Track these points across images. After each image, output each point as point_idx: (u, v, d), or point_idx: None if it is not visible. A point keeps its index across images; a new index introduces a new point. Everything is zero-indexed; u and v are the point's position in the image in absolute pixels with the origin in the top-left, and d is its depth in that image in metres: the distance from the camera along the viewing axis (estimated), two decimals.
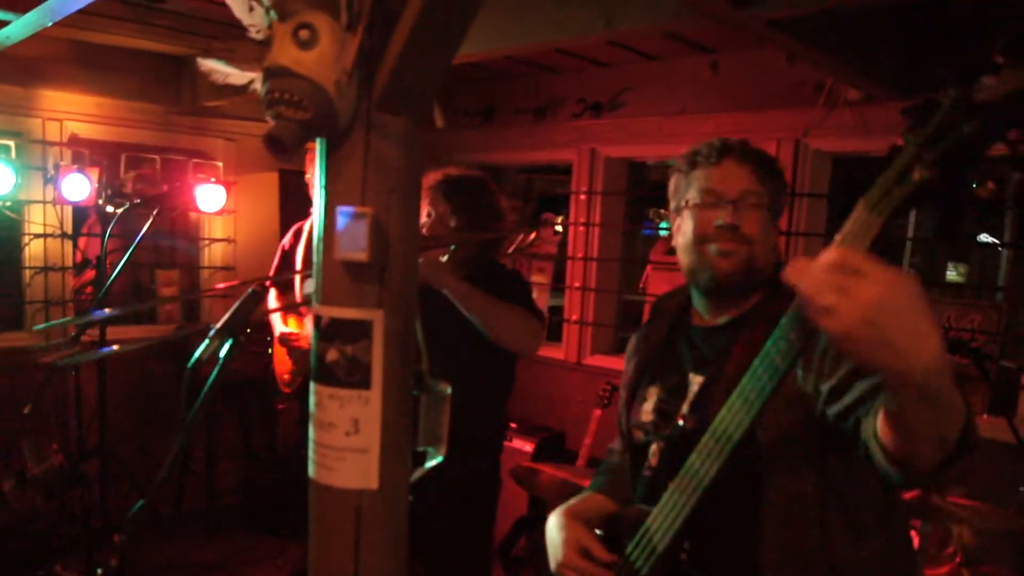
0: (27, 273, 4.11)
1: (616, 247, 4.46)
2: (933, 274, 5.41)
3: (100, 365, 3.74)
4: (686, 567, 1.44)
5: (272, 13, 1.35)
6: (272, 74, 1.34)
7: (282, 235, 4.73)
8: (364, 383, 1.44)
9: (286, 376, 3.87)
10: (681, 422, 1.48)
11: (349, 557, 1.48)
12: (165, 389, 4.51)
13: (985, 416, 3.06)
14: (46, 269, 4.12)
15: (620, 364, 4.26)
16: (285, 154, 1.35)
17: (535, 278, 4.96)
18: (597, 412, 3.98)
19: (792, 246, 3.65)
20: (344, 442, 1.45)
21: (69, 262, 4.22)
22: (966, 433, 1.06)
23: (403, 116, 1.42)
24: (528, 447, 4.31)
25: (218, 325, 1.57)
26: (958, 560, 2.42)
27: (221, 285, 4.57)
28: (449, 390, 1.64)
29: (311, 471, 1.53)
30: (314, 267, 1.49)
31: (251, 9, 1.41)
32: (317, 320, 1.47)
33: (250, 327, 4.29)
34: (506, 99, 4.58)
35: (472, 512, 2.78)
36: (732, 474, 1.30)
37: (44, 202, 4.04)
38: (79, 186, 3.76)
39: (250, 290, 1.64)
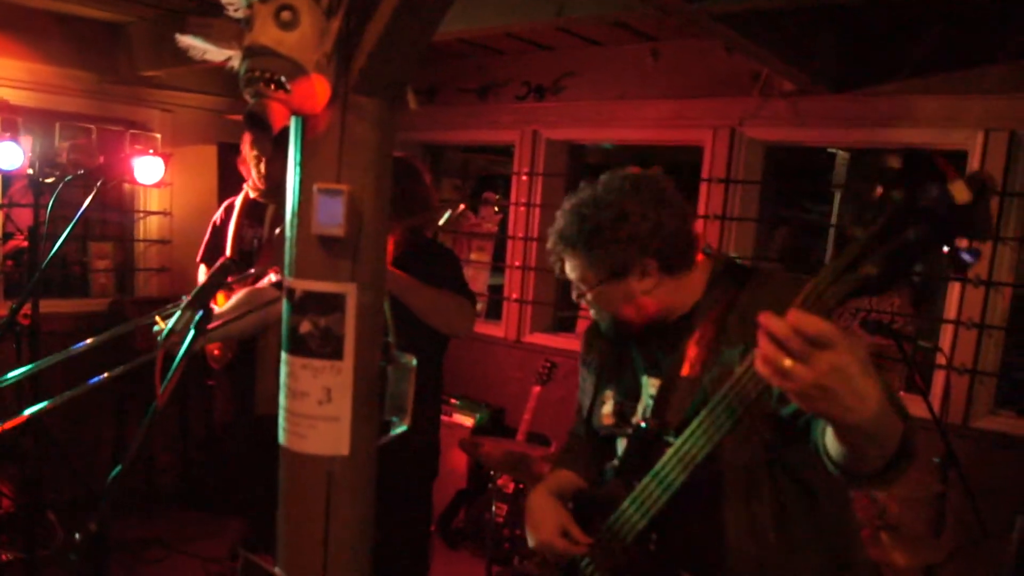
0: None
1: None
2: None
3: (32, 340, 3.66)
4: (653, 554, 1.54)
5: None
6: (253, 53, 1.38)
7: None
8: (337, 354, 1.50)
9: (216, 352, 3.84)
10: (643, 424, 1.55)
11: (320, 520, 1.55)
12: (97, 366, 4.41)
13: (902, 393, 3.26)
14: None
15: (559, 342, 4.39)
16: (264, 132, 1.39)
17: (475, 256, 5.03)
18: (536, 389, 4.08)
19: (726, 231, 3.80)
20: (317, 410, 1.52)
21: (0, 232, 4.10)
22: (904, 444, 1.20)
23: (378, 98, 1.48)
24: (469, 422, 4.40)
25: (189, 297, 1.59)
26: (877, 524, 2.61)
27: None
28: (414, 362, 1.71)
29: (283, 439, 1.59)
30: (287, 242, 1.54)
31: None
32: (290, 293, 1.52)
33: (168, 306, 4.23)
34: (449, 79, 4.61)
35: (411, 485, 2.83)
36: (694, 472, 1.40)
37: None
38: (11, 154, 3.65)
39: (220, 263, 1.66)
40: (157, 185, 4.20)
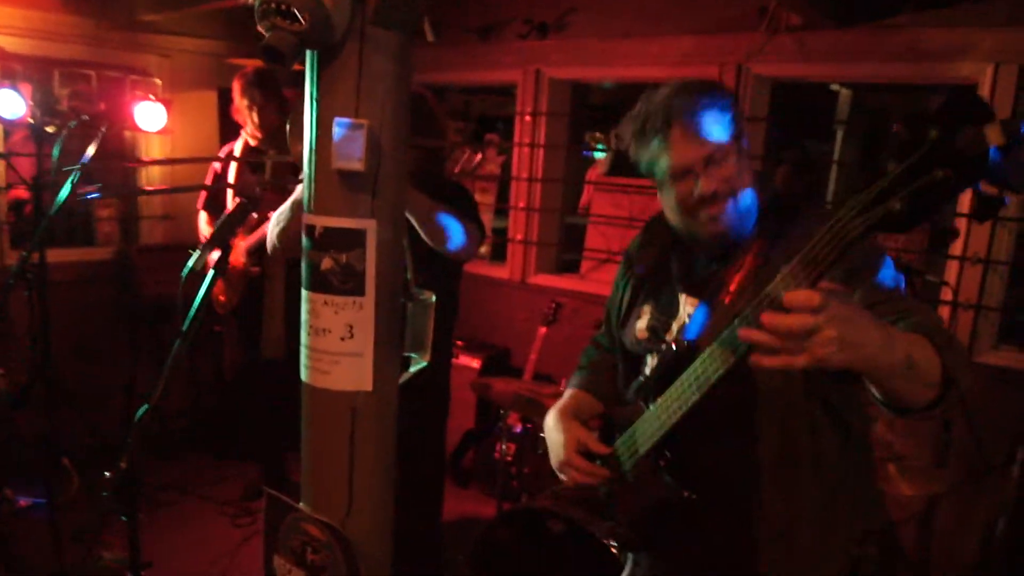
0: None
1: (559, 168, 4.53)
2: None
3: (39, 290, 3.65)
4: (662, 471, 1.56)
5: None
6: None
7: None
8: (358, 290, 1.51)
9: (221, 298, 3.86)
10: (675, 347, 1.53)
11: (344, 456, 1.57)
12: (104, 314, 4.44)
13: None
14: None
15: (564, 283, 4.41)
16: (282, 65, 1.38)
17: (478, 198, 5.00)
18: (542, 330, 4.11)
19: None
20: (339, 347, 1.53)
21: (3, 182, 4.07)
22: (947, 370, 1.21)
23: (395, 30, 1.46)
24: (475, 363, 4.43)
25: (208, 236, 1.60)
26: (884, 455, 2.66)
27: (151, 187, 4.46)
28: (433, 298, 1.72)
29: (305, 375, 1.60)
30: (305, 179, 1.53)
31: None
32: (310, 229, 1.52)
33: (191, 249, 4.26)
34: (450, 18, 4.54)
35: (427, 422, 2.86)
36: (721, 397, 1.38)
37: None
38: (12, 103, 3.61)
39: (239, 203, 1.66)
40: (159, 132, 4.17)
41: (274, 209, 3.44)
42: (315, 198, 1.50)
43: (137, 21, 4.17)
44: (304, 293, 1.56)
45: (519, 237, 4.56)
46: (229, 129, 4.76)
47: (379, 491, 1.62)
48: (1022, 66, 3.06)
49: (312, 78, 1.48)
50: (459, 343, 4.52)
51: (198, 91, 4.66)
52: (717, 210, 1.48)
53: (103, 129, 2.98)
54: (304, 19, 1.35)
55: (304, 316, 1.57)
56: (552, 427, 1.78)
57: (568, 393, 1.89)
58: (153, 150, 4.60)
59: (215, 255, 1.78)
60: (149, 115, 3.92)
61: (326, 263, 1.50)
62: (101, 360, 4.43)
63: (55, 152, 3.03)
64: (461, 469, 4.37)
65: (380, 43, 1.44)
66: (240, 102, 3.57)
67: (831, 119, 5.97)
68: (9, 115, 3.66)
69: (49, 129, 3.77)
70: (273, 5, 1.35)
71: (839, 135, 5.96)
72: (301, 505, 1.62)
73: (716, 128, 1.47)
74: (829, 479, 1.51)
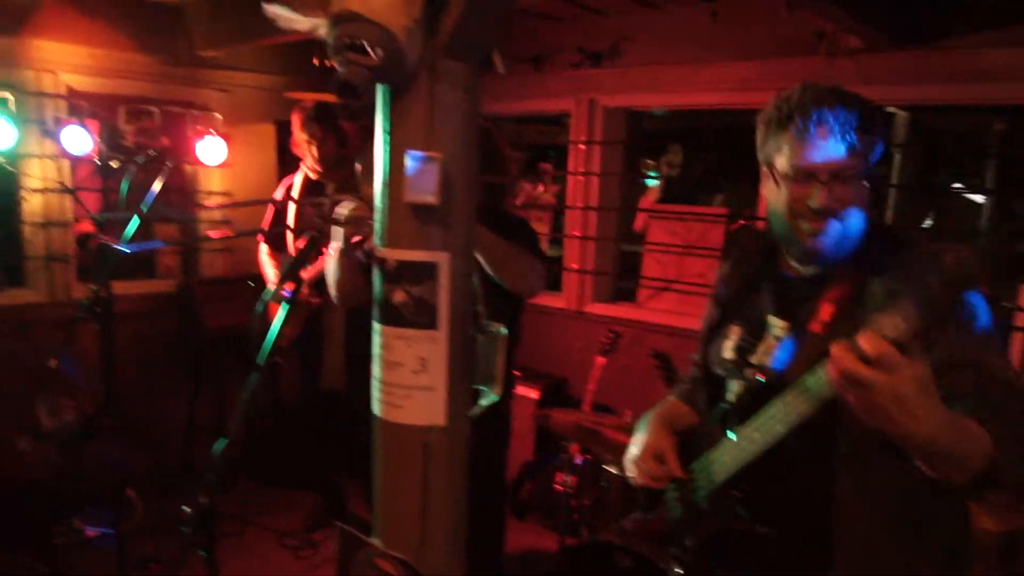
0: (27, 229, 4.07)
1: (614, 196, 4.51)
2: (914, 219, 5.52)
3: (106, 321, 3.73)
4: (736, 503, 1.52)
5: None
6: (341, 20, 1.37)
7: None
8: (431, 323, 1.49)
9: (285, 329, 3.89)
10: (762, 378, 1.49)
11: (417, 491, 1.55)
12: (168, 348, 4.52)
13: None
14: (47, 224, 4.08)
15: (621, 312, 4.36)
16: (355, 99, 1.39)
17: (534, 227, 5.00)
18: (600, 359, 4.06)
19: None
20: (412, 380, 1.52)
21: (70, 216, 4.18)
22: (997, 468, 1.18)
23: (466, 62, 1.46)
24: (533, 394, 4.40)
25: (282, 271, 1.60)
26: None
27: (214, 233, 4.54)
28: (504, 330, 1.70)
29: (377, 410, 1.59)
30: (377, 212, 1.53)
31: None
32: (381, 263, 1.52)
33: (251, 280, 4.30)
34: (504, 48, 4.56)
35: (488, 454, 2.84)
36: (804, 431, 1.35)
37: (42, 156, 3.99)
38: (80, 139, 3.71)
39: (309, 237, 1.67)
40: (218, 165, 4.26)
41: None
42: (387, 232, 1.50)
43: (198, 57, 4.27)
44: (376, 326, 1.55)
45: (575, 266, 4.53)
46: (287, 161, 4.84)
47: (452, 525, 1.60)
48: None
49: (384, 112, 1.48)
50: (516, 373, 4.49)
51: (256, 124, 4.75)
52: (821, 227, 1.43)
53: (169, 165, 3.04)
54: (377, 54, 1.35)
55: (376, 350, 1.57)
56: (641, 426, 1.78)
57: (668, 399, 1.88)
58: (213, 182, 4.68)
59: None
60: (210, 149, 4.01)
61: (399, 296, 1.49)
62: (162, 391, 4.50)
63: (123, 187, 3.10)
64: (519, 500, 4.32)
65: (451, 76, 1.44)
66: (300, 136, 3.63)
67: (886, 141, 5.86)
68: (77, 151, 3.77)
69: (114, 164, 3.88)
70: (347, 40, 1.36)
71: (897, 158, 5.84)
72: (373, 540, 1.61)
73: (859, 145, 1.40)
74: (914, 521, 1.45)
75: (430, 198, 1.41)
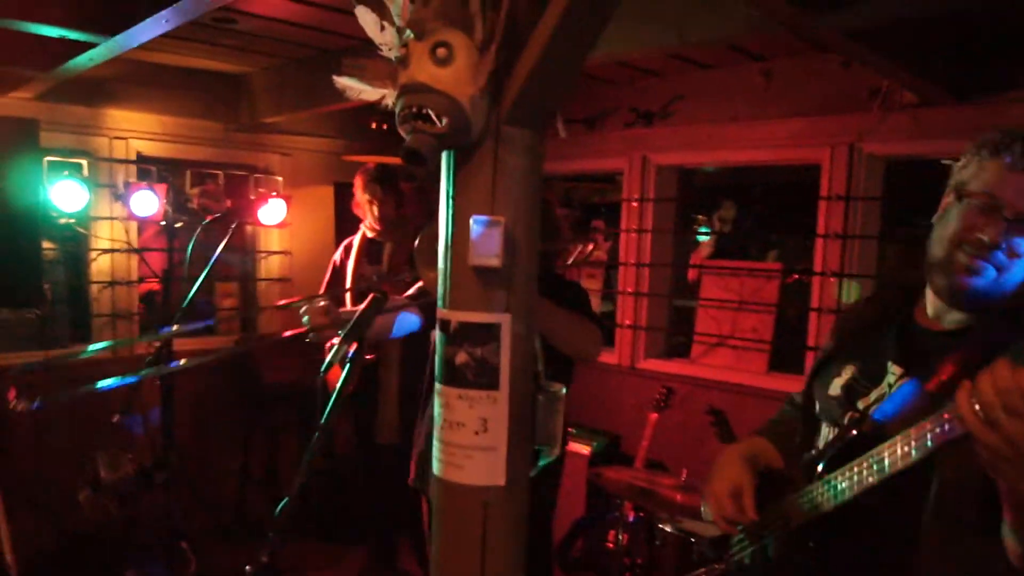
0: (94, 287, 4.21)
1: (667, 252, 4.51)
2: None
3: (166, 377, 3.83)
4: (807, 554, 1.47)
5: (408, 32, 1.42)
6: (410, 90, 1.42)
7: (336, 247, 4.84)
8: (493, 384, 1.51)
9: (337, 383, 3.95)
10: (856, 430, 1.42)
11: (476, 551, 1.55)
12: (225, 402, 4.60)
13: None
14: (113, 283, 4.23)
15: (674, 368, 4.33)
16: (422, 166, 1.43)
17: (586, 284, 5.02)
18: (653, 416, 4.02)
19: (848, 248, 3.69)
20: (473, 440, 1.52)
21: (135, 276, 4.32)
22: None
23: (529, 129, 1.49)
24: (585, 451, 4.37)
25: (344, 331, 1.64)
26: None
27: (282, 302, 4.66)
28: (564, 391, 1.71)
29: (438, 469, 1.60)
30: (440, 274, 1.56)
31: (382, 28, 1.49)
32: (445, 324, 1.54)
33: (307, 337, 4.36)
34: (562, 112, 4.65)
35: (535, 513, 2.82)
36: (893, 490, 1.29)
37: (111, 218, 4.15)
38: (148, 202, 3.87)
39: (372, 297, 1.70)
40: (278, 225, 4.38)
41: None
42: (450, 294, 1.53)
43: (260, 123, 4.43)
44: (437, 387, 1.57)
45: (627, 322, 4.53)
46: (344, 221, 4.96)
47: None
48: None
49: (448, 177, 1.52)
50: (569, 429, 4.47)
51: (315, 186, 4.89)
52: (979, 265, 1.35)
53: (234, 225, 3.15)
54: (443, 123, 1.40)
55: (437, 410, 1.58)
56: (721, 460, 1.71)
57: (752, 436, 1.82)
58: (272, 242, 4.81)
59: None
60: (271, 210, 4.13)
61: (461, 357, 1.51)
62: (218, 444, 4.57)
63: (189, 248, 3.21)
64: (570, 558, 4.26)
65: (514, 141, 1.48)
66: (362, 197, 3.74)
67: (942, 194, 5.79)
68: (145, 214, 3.92)
69: (178, 225, 4.02)
70: (414, 110, 1.41)
71: None
72: None
73: None
74: None
75: (494, 261, 1.43)
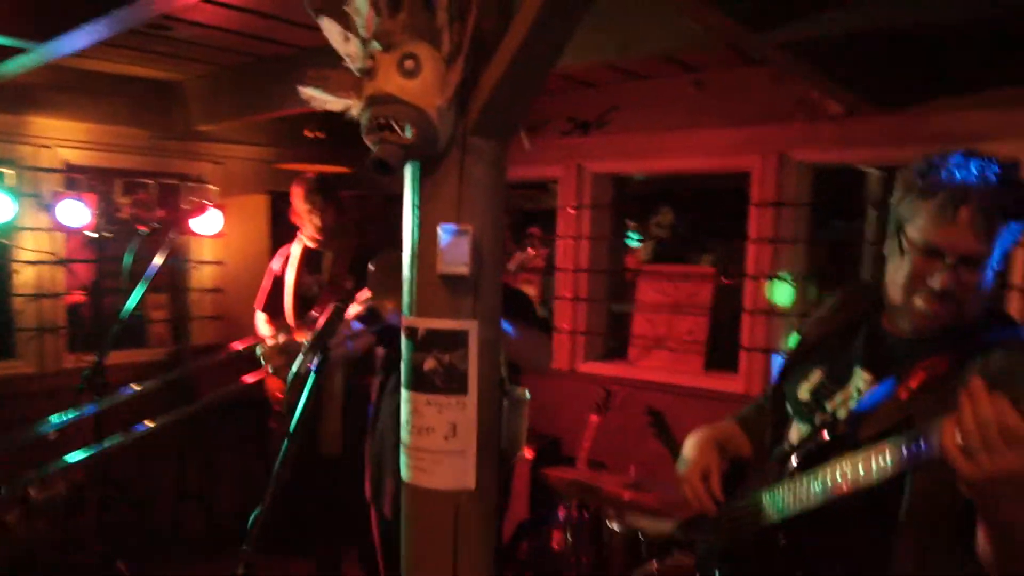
0: (18, 300, 4.06)
1: (603, 258, 4.60)
2: None
3: (96, 392, 3.73)
4: (778, 549, 1.52)
5: (375, 44, 1.44)
6: (377, 101, 1.44)
7: (271, 257, 4.78)
8: (461, 389, 1.54)
9: (278, 394, 3.91)
10: (828, 434, 1.48)
11: (448, 556, 1.58)
12: (158, 414, 4.47)
13: None
14: (38, 296, 4.08)
15: (613, 370, 4.41)
16: (390, 175, 1.45)
17: (523, 290, 5.07)
18: (594, 418, 4.08)
19: (777, 253, 3.83)
20: (442, 445, 1.55)
21: (61, 288, 4.18)
22: None
23: (495, 139, 1.53)
24: (527, 454, 4.40)
25: (310, 340, 1.64)
26: None
27: (239, 346, 4.57)
28: (528, 394, 1.74)
29: (407, 475, 1.62)
30: (406, 283, 1.58)
31: (347, 39, 1.51)
32: (412, 332, 1.56)
33: (242, 350, 4.30)
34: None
35: None
36: (867, 497, 1.34)
37: (37, 229, 4.01)
38: (77, 212, 3.76)
39: (335, 305, 1.71)
40: (212, 236, 4.30)
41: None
42: (417, 302, 1.55)
43: (192, 131, 4.34)
44: (405, 393, 1.59)
45: (566, 326, 4.59)
46: (279, 231, 4.89)
47: None
48: None
49: (414, 187, 1.54)
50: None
51: (249, 195, 4.81)
52: (936, 308, 1.40)
53: (173, 236, 3.09)
54: (412, 133, 1.42)
55: (405, 416, 1.60)
56: (691, 443, 1.78)
57: (726, 421, 1.87)
58: (205, 251, 4.72)
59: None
60: (206, 221, 4.06)
61: (429, 364, 1.54)
62: (152, 460, 4.45)
63: (126, 259, 3.14)
64: (515, 560, 4.29)
65: (480, 152, 1.52)
66: (301, 206, 3.70)
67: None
68: (75, 224, 3.80)
69: (107, 235, 3.92)
70: (383, 120, 1.43)
71: (871, 216, 6.01)
72: None
73: (1002, 238, 1.36)
74: None
75: (463, 269, 1.46)
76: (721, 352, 4.24)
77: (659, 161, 4.24)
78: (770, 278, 3.84)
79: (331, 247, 3.78)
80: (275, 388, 3.87)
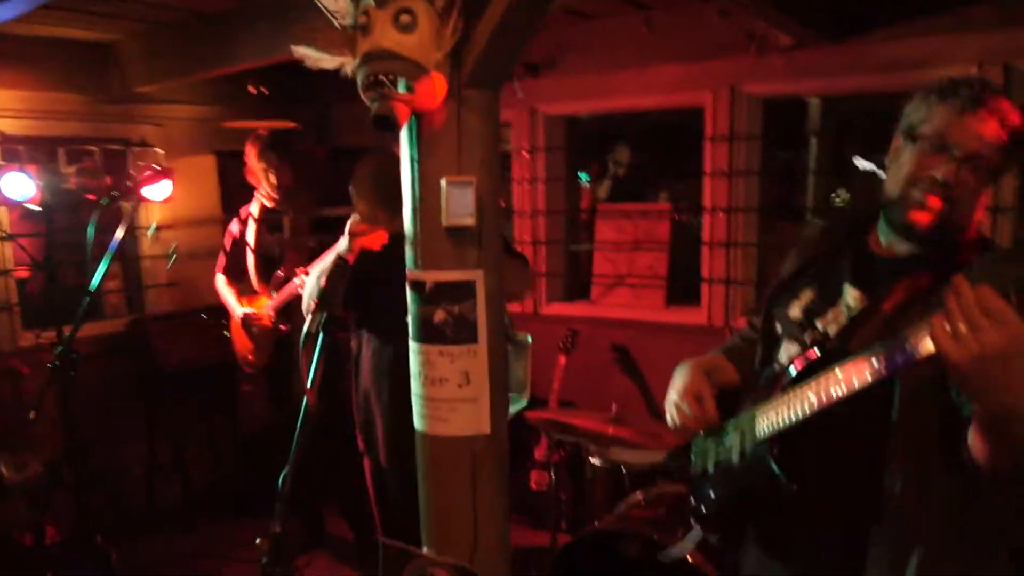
0: None
1: (560, 200, 4.64)
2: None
3: (63, 368, 3.67)
4: (772, 460, 1.58)
5: (370, 0, 1.43)
6: (375, 57, 1.44)
7: (224, 218, 4.69)
8: (472, 338, 1.58)
9: (249, 356, 3.89)
10: (818, 351, 1.52)
11: (468, 499, 1.63)
12: (121, 389, 4.42)
13: None
14: None
15: (576, 310, 4.48)
16: (392, 131, 1.46)
17: None
18: (561, 358, 4.17)
19: (733, 186, 3.91)
20: (457, 394, 1.59)
21: (11, 264, 4.05)
22: None
23: (488, 90, 1.54)
24: None
25: (319, 304, 1.65)
26: None
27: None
28: (529, 339, 1.79)
29: (421, 425, 1.66)
30: (409, 237, 1.60)
31: None
32: (419, 285, 1.58)
33: (204, 312, 4.26)
34: None
35: None
36: (861, 403, 1.39)
37: None
38: (21, 185, 3.62)
39: (336, 266, 1.71)
40: (160, 201, 4.19)
41: (297, 266, 3.50)
42: (422, 255, 1.57)
43: (131, 93, 4.20)
44: (416, 346, 1.62)
45: None
46: (229, 192, 4.80)
47: (500, 527, 1.68)
48: (1006, 65, 3.22)
49: (412, 140, 1.55)
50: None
51: (195, 156, 4.69)
52: (931, 201, 1.46)
53: (130, 206, 3.01)
54: (411, 87, 1.43)
55: (416, 368, 1.63)
56: (680, 371, 1.79)
57: (711, 353, 1.91)
58: (153, 216, 4.60)
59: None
60: (156, 186, 3.95)
61: (439, 316, 1.56)
62: (121, 433, 4.40)
63: (90, 231, 3.06)
64: None
65: (475, 103, 1.53)
66: (256, 165, 3.63)
67: (800, 128, 6.16)
68: (19, 197, 3.66)
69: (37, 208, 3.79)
70: (380, 76, 1.42)
71: (813, 144, 6.14)
72: (425, 550, 1.67)
73: (1004, 144, 1.44)
74: (958, 519, 1.47)
75: (469, 220, 1.49)
76: (682, 286, 4.35)
77: (611, 100, 4.26)
78: (727, 211, 3.93)
79: (290, 205, 3.73)
80: (246, 351, 3.84)
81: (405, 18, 1.40)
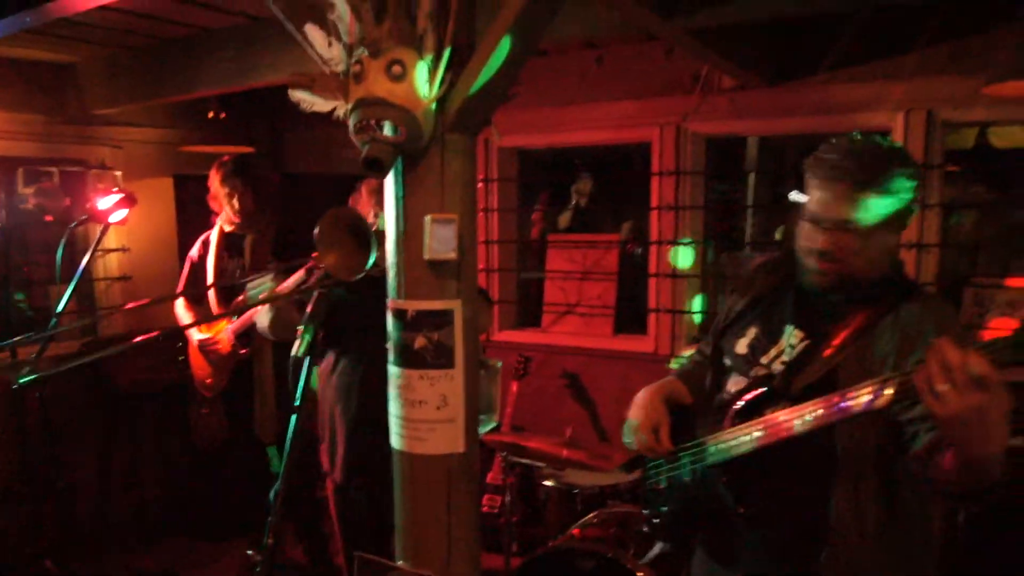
0: None
1: (513, 230, 4.79)
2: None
3: (15, 390, 3.67)
4: (722, 485, 1.76)
5: (362, 50, 1.56)
6: (368, 103, 1.57)
7: (181, 242, 4.71)
8: (450, 363, 1.70)
9: (208, 380, 3.92)
10: (764, 389, 1.68)
11: (443, 515, 1.75)
12: (75, 408, 4.40)
13: None
14: None
15: (528, 337, 4.61)
16: (382, 173, 1.59)
17: None
18: (514, 384, 4.30)
19: (679, 219, 4.11)
20: (435, 415, 1.72)
21: None
22: (993, 486, 1.42)
23: (469, 134, 1.68)
24: None
25: (303, 323, 1.75)
26: None
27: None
28: (499, 364, 1.92)
29: (399, 444, 1.77)
30: (391, 268, 1.72)
31: (330, 45, 1.63)
32: (401, 313, 1.70)
33: (160, 336, 4.32)
34: None
35: None
36: (804, 440, 1.56)
37: None
38: None
39: (319, 292, 1.82)
40: (117, 223, 4.21)
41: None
42: (405, 286, 1.69)
43: (90, 115, 4.22)
44: (396, 370, 1.73)
45: None
46: (188, 215, 4.83)
47: (471, 539, 1.79)
48: (930, 111, 3.48)
49: (397, 179, 1.67)
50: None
51: (153, 179, 4.72)
52: (826, 267, 1.64)
53: (104, 227, 3.05)
54: (402, 133, 1.56)
55: (395, 391, 1.75)
56: (640, 400, 1.96)
57: (667, 377, 2.07)
58: (109, 239, 4.60)
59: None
60: (114, 208, 3.97)
61: (419, 342, 1.68)
62: (74, 453, 4.38)
63: (59, 255, 3.10)
64: None
65: (457, 146, 1.66)
66: (220, 190, 3.69)
67: (739, 163, 6.44)
68: None
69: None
70: (374, 121, 1.55)
71: (751, 179, 6.42)
72: (400, 563, 1.77)
73: (872, 210, 1.57)
74: (896, 527, 1.63)
75: (451, 255, 1.61)
76: (629, 315, 4.52)
77: (562, 135, 4.44)
78: (672, 243, 4.12)
79: (251, 229, 3.79)
80: (203, 375, 3.88)
81: (396, 68, 1.53)
